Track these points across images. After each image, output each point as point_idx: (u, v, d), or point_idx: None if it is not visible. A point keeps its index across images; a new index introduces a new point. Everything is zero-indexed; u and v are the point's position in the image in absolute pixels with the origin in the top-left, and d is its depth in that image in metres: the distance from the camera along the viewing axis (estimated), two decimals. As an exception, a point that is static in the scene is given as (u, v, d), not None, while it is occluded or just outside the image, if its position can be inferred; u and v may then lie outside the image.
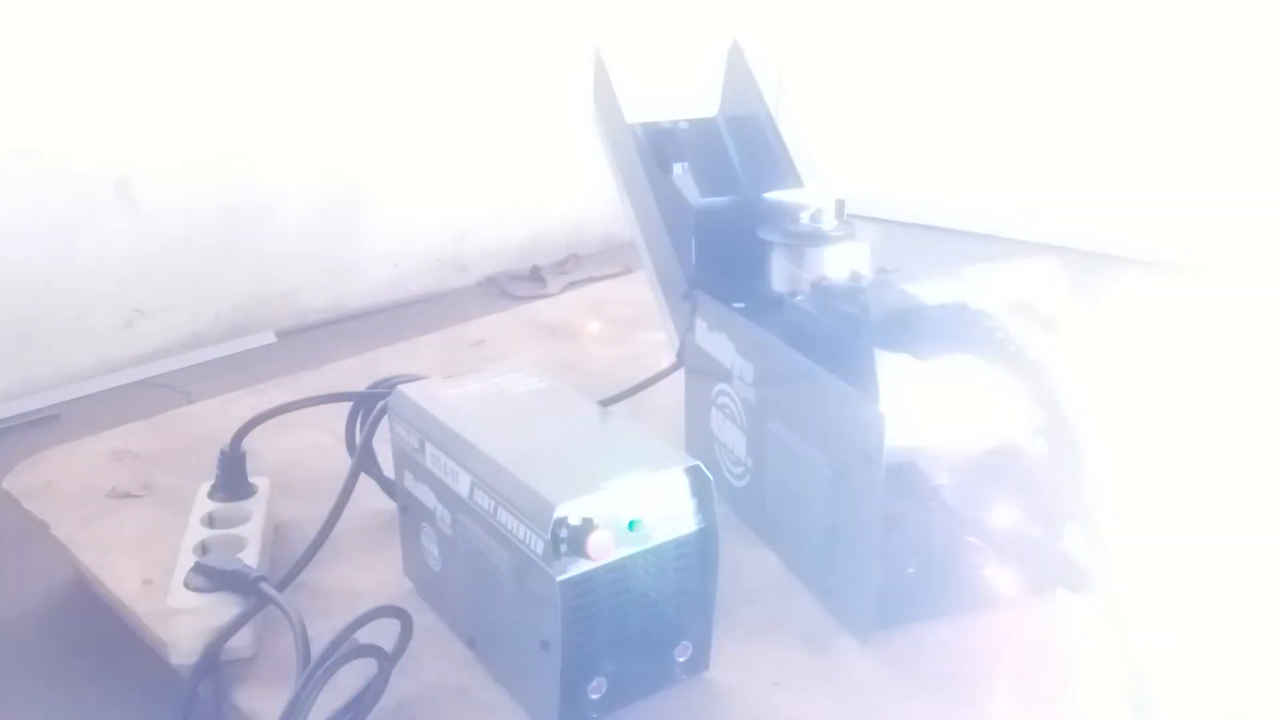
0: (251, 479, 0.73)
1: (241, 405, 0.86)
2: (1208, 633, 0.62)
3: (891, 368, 0.57)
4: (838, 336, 0.62)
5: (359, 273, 1.38)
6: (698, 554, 0.55)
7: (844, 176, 0.89)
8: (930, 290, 0.59)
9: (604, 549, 0.51)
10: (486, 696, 0.58)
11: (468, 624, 0.61)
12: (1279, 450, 0.81)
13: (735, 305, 0.72)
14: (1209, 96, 1.41)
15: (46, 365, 1.13)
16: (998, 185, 1.60)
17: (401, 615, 0.57)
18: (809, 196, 0.74)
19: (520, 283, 1.48)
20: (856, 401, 0.58)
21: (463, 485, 0.57)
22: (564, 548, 0.51)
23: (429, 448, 0.60)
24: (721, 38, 0.87)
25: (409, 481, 0.63)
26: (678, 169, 0.81)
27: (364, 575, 0.69)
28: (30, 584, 0.79)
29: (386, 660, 0.55)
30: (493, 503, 0.54)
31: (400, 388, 0.64)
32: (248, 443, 0.73)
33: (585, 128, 0.88)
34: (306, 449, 0.82)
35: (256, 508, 0.71)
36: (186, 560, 0.64)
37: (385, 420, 0.66)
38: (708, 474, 0.54)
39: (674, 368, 0.82)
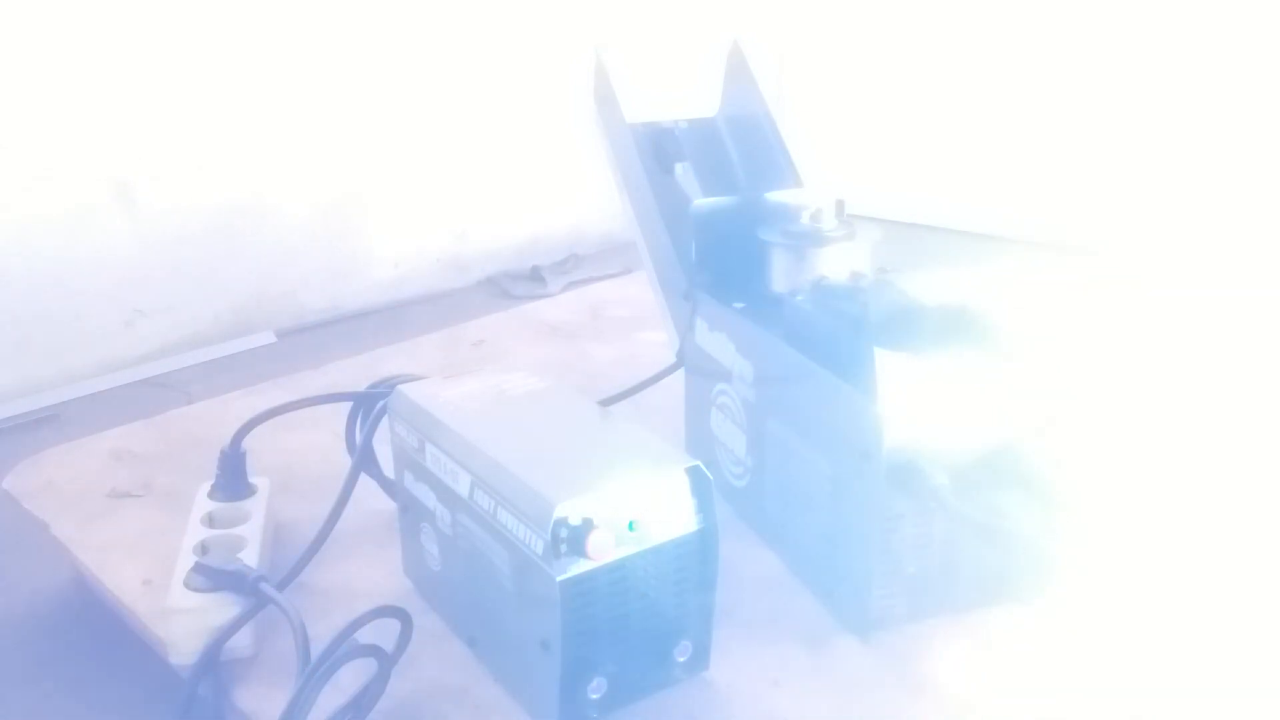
0: (251, 479, 0.73)
1: (241, 405, 0.86)
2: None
3: (891, 368, 0.57)
4: (838, 336, 0.62)
5: (359, 273, 1.38)
6: (698, 554, 0.55)
7: (844, 176, 0.89)
8: (930, 290, 0.59)
9: (604, 549, 0.51)
10: (486, 696, 0.58)
11: (468, 624, 0.61)
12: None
13: (735, 305, 0.72)
14: (1215, 97, 1.41)
15: (46, 365, 1.13)
16: (997, 185, 1.60)
17: (401, 615, 0.57)
18: (809, 196, 0.74)
19: (520, 283, 1.48)
20: (856, 401, 0.58)
21: (463, 485, 0.57)
22: (564, 548, 0.51)
23: (429, 448, 0.60)
24: (721, 37, 0.87)
25: (409, 481, 0.63)
26: (678, 169, 0.81)
27: (364, 575, 0.69)
28: (30, 584, 0.79)
29: (386, 660, 0.55)
30: (493, 502, 0.54)
31: (400, 388, 0.64)
32: (248, 443, 0.73)
33: (585, 128, 0.88)
34: (306, 449, 0.82)
35: (256, 508, 0.71)
36: (186, 560, 0.64)
37: (385, 420, 0.66)
38: (708, 474, 0.54)
39: (674, 368, 0.82)
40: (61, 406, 1.09)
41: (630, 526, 0.52)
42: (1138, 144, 1.47)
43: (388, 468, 0.69)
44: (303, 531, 0.69)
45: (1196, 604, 0.64)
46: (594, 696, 0.54)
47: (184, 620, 0.60)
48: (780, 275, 0.72)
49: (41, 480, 0.80)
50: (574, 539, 0.51)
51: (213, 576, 0.62)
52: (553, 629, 0.51)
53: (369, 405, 0.71)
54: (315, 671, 0.52)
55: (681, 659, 0.57)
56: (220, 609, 0.61)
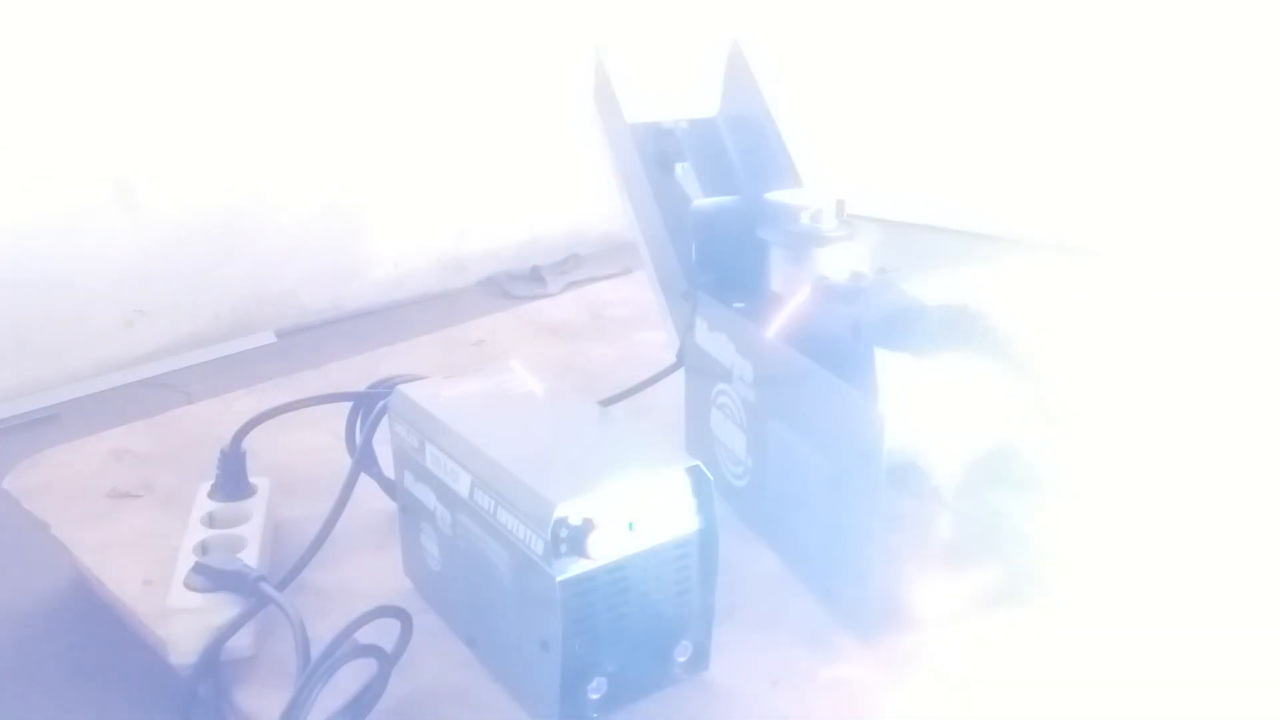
0: (251, 479, 0.73)
1: (241, 405, 0.86)
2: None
3: (891, 368, 0.57)
4: (838, 336, 0.62)
5: (359, 273, 1.38)
6: (698, 554, 0.55)
7: (844, 176, 0.89)
8: (930, 290, 0.59)
9: (604, 549, 0.51)
10: (486, 696, 0.58)
11: (468, 624, 0.61)
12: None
13: (735, 305, 0.72)
14: (1215, 97, 1.41)
15: (46, 365, 1.13)
16: (998, 185, 1.60)
17: (401, 615, 0.57)
18: (809, 196, 0.74)
19: (520, 283, 1.47)
20: (856, 401, 0.58)
21: (463, 485, 0.57)
22: (564, 547, 0.51)
23: (429, 448, 0.60)
24: (722, 37, 0.87)
25: (409, 481, 0.63)
26: (678, 169, 0.81)
27: (364, 575, 0.69)
28: (30, 584, 0.79)
29: (386, 660, 0.55)
30: (493, 502, 0.54)
31: (400, 388, 0.64)
32: (248, 443, 0.73)
33: (585, 128, 0.88)
34: (306, 449, 0.82)
35: (256, 508, 0.71)
36: (186, 560, 0.64)
37: (385, 420, 0.66)
38: (708, 474, 0.54)
39: (674, 368, 0.82)
40: (61, 406, 1.09)
41: (630, 526, 0.52)
42: (1138, 145, 1.47)
43: (388, 468, 0.69)
44: (303, 531, 0.69)
45: (1196, 602, 0.64)
46: (594, 696, 0.54)
47: (184, 620, 0.60)
48: (780, 275, 0.72)
49: (41, 480, 0.80)
50: (574, 539, 0.51)
51: (213, 576, 0.62)
52: (553, 629, 0.51)
53: (369, 405, 0.71)
54: (315, 671, 0.52)
55: (681, 659, 0.57)
56: (220, 609, 0.61)
